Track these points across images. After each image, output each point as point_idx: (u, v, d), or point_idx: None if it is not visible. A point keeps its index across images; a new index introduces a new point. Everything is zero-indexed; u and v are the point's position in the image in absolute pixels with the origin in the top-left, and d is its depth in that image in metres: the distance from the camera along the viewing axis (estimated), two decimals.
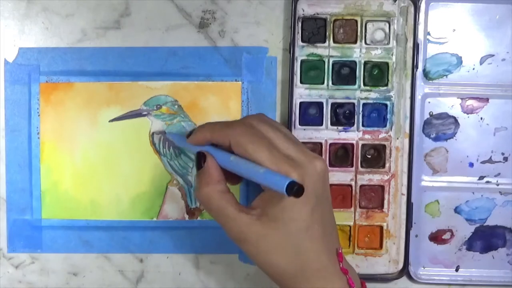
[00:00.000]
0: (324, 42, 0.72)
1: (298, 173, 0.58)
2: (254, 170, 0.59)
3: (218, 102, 0.73)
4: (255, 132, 0.61)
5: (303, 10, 0.71)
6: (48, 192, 0.73)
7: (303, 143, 0.70)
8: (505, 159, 0.75)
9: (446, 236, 0.76)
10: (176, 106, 0.73)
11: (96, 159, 0.73)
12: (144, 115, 0.73)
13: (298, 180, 0.57)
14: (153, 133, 0.73)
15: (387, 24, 0.72)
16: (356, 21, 0.72)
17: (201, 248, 0.75)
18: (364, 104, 0.73)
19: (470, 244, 0.76)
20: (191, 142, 0.65)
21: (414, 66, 0.72)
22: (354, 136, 0.73)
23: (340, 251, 0.62)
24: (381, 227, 0.74)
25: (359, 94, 0.73)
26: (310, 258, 0.61)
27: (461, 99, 0.74)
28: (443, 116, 0.74)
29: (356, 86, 0.73)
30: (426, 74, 0.74)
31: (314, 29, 0.72)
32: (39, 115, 0.73)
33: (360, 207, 0.74)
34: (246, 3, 0.72)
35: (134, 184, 0.74)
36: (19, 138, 0.73)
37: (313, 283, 0.61)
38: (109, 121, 0.73)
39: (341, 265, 0.62)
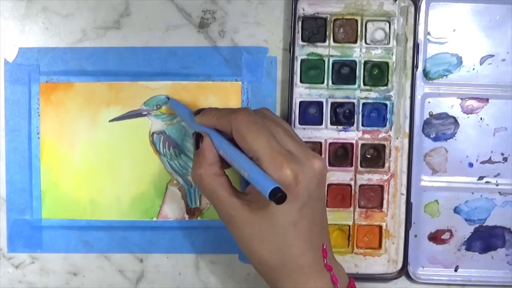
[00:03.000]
0: (324, 41, 0.71)
1: (292, 168, 0.57)
2: (244, 165, 0.58)
3: (218, 102, 0.71)
4: (257, 121, 0.59)
5: (304, 10, 0.70)
6: (48, 192, 0.72)
7: None
8: (505, 159, 0.73)
9: (445, 236, 0.74)
10: None
11: (96, 159, 0.72)
12: (144, 115, 0.72)
13: (291, 175, 0.57)
14: (153, 133, 0.72)
15: (387, 24, 0.71)
16: (356, 21, 0.71)
17: (201, 248, 0.74)
18: (364, 104, 0.71)
19: (469, 244, 0.75)
20: (198, 122, 0.64)
21: (414, 66, 0.71)
22: (353, 135, 0.72)
23: (324, 246, 0.61)
24: (380, 227, 0.73)
25: (359, 93, 0.71)
26: (294, 253, 0.59)
27: (461, 99, 0.73)
28: (443, 116, 0.73)
29: (356, 86, 0.71)
30: (426, 74, 0.72)
31: (314, 28, 0.71)
32: (39, 115, 0.71)
33: (359, 206, 0.73)
34: (246, 3, 0.71)
35: (134, 184, 0.72)
36: (19, 138, 0.72)
37: (294, 278, 0.60)
38: (109, 121, 0.72)
39: (325, 262, 0.61)
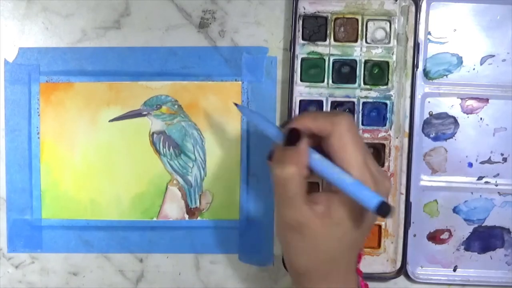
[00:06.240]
0: (325, 40, 0.69)
1: (376, 191, 0.53)
2: (341, 177, 0.53)
3: (218, 102, 0.70)
4: (357, 132, 0.54)
5: (304, 8, 0.69)
6: (48, 192, 0.70)
7: None
8: (504, 159, 0.71)
9: (444, 236, 0.72)
10: (176, 106, 0.70)
11: (96, 159, 0.70)
12: (144, 115, 0.70)
13: None
14: (153, 133, 0.70)
15: (388, 23, 0.69)
16: (357, 20, 0.69)
17: (201, 248, 0.71)
18: (364, 103, 0.70)
19: (468, 244, 0.72)
20: (294, 126, 0.55)
21: (415, 66, 0.69)
22: None
23: (361, 252, 0.60)
24: (380, 226, 0.71)
25: (359, 92, 0.70)
26: (341, 263, 0.56)
27: (461, 99, 0.71)
28: (443, 116, 0.71)
29: (356, 85, 0.70)
30: (426, 74, 0.70)
31: (315, 27, 0.69)
32: (39, 115, 0.70)
33: None
34: (246, 3, 0.69)
35: (134, 184, 0.70)
36: (19, 138, 0.70)
37: (329, 281, 0.56)
38: (109, 121, 0.70)
39: (358, 266, 0.59)
